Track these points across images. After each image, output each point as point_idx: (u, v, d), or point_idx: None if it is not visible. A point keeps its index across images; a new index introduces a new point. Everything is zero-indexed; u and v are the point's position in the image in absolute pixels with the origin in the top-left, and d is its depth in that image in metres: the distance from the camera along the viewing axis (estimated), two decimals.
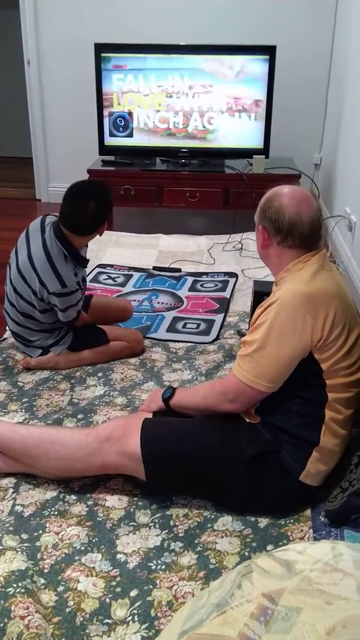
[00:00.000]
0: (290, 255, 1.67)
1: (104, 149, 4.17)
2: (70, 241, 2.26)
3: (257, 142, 4.02)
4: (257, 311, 1.66)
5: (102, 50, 3.94)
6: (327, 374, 1.60)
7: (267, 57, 3.83)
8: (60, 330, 2.39)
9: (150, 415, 1.79)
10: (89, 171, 4.08)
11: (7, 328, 2.79)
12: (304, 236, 1.64)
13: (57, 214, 2.29)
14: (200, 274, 3.42)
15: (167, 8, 4.34)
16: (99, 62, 3.97)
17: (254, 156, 3.97)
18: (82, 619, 1.38)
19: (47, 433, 1.76)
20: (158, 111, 4.04)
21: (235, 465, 1.62)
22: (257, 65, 3.87)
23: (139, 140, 4.12)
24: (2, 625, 1.33)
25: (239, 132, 4.02)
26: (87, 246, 2.40)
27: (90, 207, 2.19)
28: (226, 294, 3.14)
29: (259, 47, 3.86)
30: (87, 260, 2.37)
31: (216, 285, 3.26)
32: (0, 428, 1.78)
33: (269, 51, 3.83)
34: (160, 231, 4.06)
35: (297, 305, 1.56)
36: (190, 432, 1.68)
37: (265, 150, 4.01)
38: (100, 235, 2.33)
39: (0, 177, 5.81)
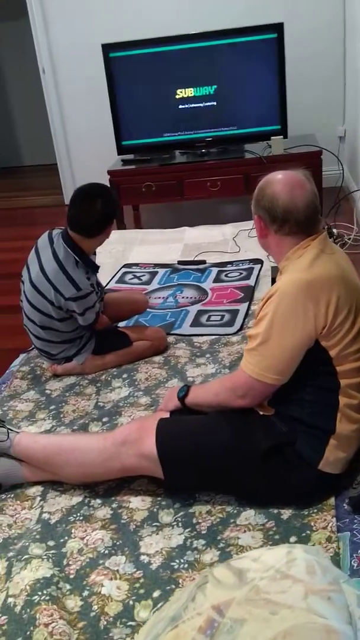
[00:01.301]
0: (289, 243, 1.64)
1: (122, 148, 4.18)
2: (79, 246, 2.28)
3: (274, 122, 3.95)
4: (260, 303, 1.64)
5: (110, 50, 3.94)
6: (337, 360, 1.57)
7: (275, 35, 3.75)
8: (82, 339, 2.42)
9: (166, 415, 1.79)
10: (109, 172, 4.11)
11: None
12: (300, 222, 1.60)
13: (63, 227, 2.32)
14: (224, 264, 3.40)
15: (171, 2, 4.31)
16: (108, 62, 3.98)
17: (271, 138, 3.90)
18: (105, 622, 1.40)
19: (66, 441, 1.80)
20: None
21: (250, 459, 1.61)
22: (265, 45, 3.80)
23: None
24: (28, 633, 1.37)
25: (255, 114, 3.96)
26: (95, 254, 2.42)
27: (97, 206, 2.22)
28: (250, 281, 3.11)
29: (266, 26, 3.78)
30: (98, 267, 2.39)
31: (240, 273, 3.23)
32: (22, 440, 1.82)
33: (276, 29, 3.75)
34: (187, 224, 4.05)
35: (297, 294, 1.53)
36: (203, 429, 1.68)
37: (283, 130, 3.94)
38: (107, 237, 2.34)
39: (28, 186, 5.94)
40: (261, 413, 1.68)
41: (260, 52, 3.83)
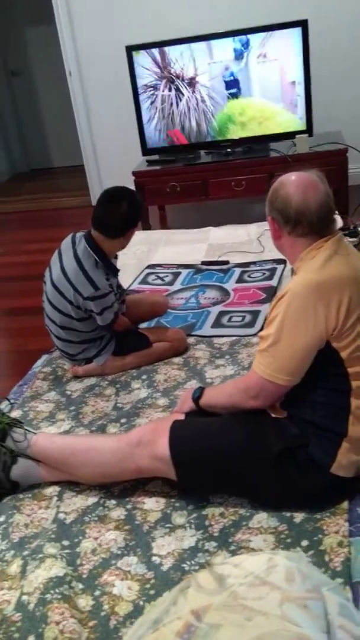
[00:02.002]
0: (302, 244, 1.63)
1: (146, 149, 4.20)
2: (100, 247, 2.32)
3: (299, 121, 3.92)
4: (271, 304, 1.64)
5: (134, 51, 3.97)
6: (348, 362, 1.55)
7: (300, 31, 3.72)
8: (102, 340, 2.44)
9: (182, 417, 1.80)
10: (134, 173, 4.14)
11: None
12: (313, 223, 1.59)
13: (87, 229, 2.35)
14: (248, 264, 3.38)
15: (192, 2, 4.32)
16: (132, 64, 4.00)
17: (296, 136, 3.87)
18: (115, 622, 1.42)
19: (82, 442, 1.83)
20: None
21: (262, 461, 1.61)
22: (290, 42, 3.76)
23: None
24: (40, 630, 1.40)
25: (280, 112, 3.94)
26: (116, 257, 2.44)
27: (123, 208, 2.27)
28: (273, 282, 3.09)
29: (290, 23, 3.75)
30: (118, 270, 2.42)
31: (263, 274, 3.21)
32: (39, 440, 1.85)
33: (301, 25, 3.71)
34: (213, 223, 4.04)
35: (308, 296, 1.52)
36: (216, 431, 1.68)
37: (308, 129, 3.90)
38: (128, 242, 2.36)
39: (56, 187, 6.02)
40: (273, 415, 1.67)
41: (285, 47, 3.80)
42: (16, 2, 6.50)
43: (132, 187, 4.07)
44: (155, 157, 4.25)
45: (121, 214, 2.27)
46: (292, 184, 1.63)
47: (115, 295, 2.37)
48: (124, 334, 2.49)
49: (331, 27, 4.17)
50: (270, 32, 3.77)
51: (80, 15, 4.60)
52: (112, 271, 2.38)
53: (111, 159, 5.00)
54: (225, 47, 3.86)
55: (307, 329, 1.52)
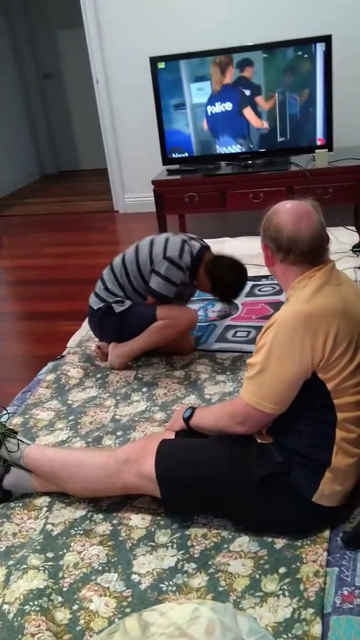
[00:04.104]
0: (294, 272, 1.64)
1: (167, 158, 4.23)
2: (199, 268, 2.55)
3: (319, 135, 3.91)
4: (261, 331, 1.65)
5: (158, 62, 4.00)
6: (334, 393, 1.55)
7: (324, 46, 3.71)
8: (124, 303, 2.55)
9: (171, 436, 1.83)
10: (153, 182, 4.17)
11: (66, 345, 2.96)
12: (304, 252, 1.60)
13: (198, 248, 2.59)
14: (260, 278, 3.39)
15: (231, 12, 4.34)
16: (155, 74, 4.03)
17: (315, 151, 3.86)
18: (89, 637, 1.45)
19: (72, 455, 1.86)
20: None
21: (245, 487, 1.62)
22: (312, 57, 3.76)
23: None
24: None
25: (302, 127, 3.93)
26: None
27: (234, 278, 2.58)
28: (282, 297, 3.08)
29: (313, 38, 3.74)
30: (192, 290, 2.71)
31: (273, 288, 3.22)
32: (31, 451, 1.89)
33: (324, 41, 3.70)
34: (231, 233, 4.05)
35: (295, 326, 1.53)
36: (202, 454, 1.70)
37: (328, 143, 3.89)
38: (197, 290, 2.71)
39: (82, 190, 6.09)
40: (259, 441, 1.68)
41: (307, 63, 3.80)
42: (49, 5, 6.60)
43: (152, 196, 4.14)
44: (176, 166, 4.28)
45: (229, 279, 2.58)
46: (286, 212, 1.64)
47: (180, 298, 2.58)
48: (134, 319, 2.54)
49: (354, 42, 4.14)
50: (294, 47, 3.77)
51: (108, 24, 4.65)
52: (187, 286, 2.60)
53: (134, 167, 5.05)
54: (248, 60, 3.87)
55: (293, 359, 1.53)
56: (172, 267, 2.47)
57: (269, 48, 3.82)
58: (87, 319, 2.75)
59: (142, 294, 2.55)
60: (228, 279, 2.58)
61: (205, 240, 4.00)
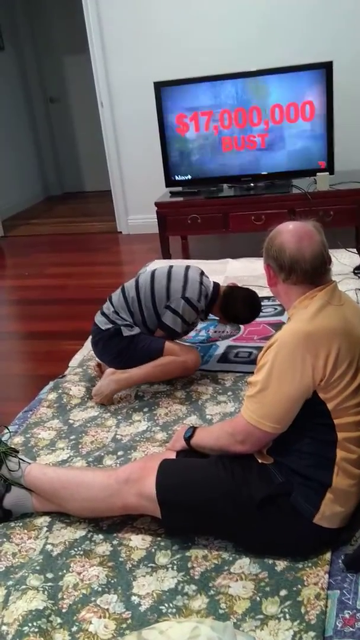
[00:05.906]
0: (296, 292, 1.66)
1: (170, 181, 4.28)
2: (215, 299, 2.59)
3: (320, 158, 3.95)
4: (262, 351, 1.65)
5: (161, 87, 4.06)
6: (335, 413, 1.55)
7: (324, 72, 3.77)
8: (133, 328, 2.53)
9: (172, 455, 1.82)
10: (156, 204, 4.21)
11: (68, 365, 2.97)
12: (306, 272, 1.62)
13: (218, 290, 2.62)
14: (261, 299, 3.38)
15: (233, 39, 4.42)
16: (159, 99, 4.10)
17: (317, 174, 3.91)
18: None
19: (73, 475, 1.85)
20: None
21: (245, 508, 1.61)
22: (314, 83, 3.82)
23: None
24: None
25: (303, 150, 3.98)
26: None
27: (246, 312, 2.64)
28: (283, 317, 3.10)
29: (315, 64, 3.80)
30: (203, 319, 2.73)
31: (275, 309, 3.23)
32: (32, 471, 1.89)
33: (325, 67, 3.76)
34: (233, 254, 4.07)
35: (296, 345, 1.54)
36: (202, 474, 1.69)
37: (329, 167, 3.93)
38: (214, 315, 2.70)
39: (85, 212, 6.15)
40: (260, 461, 1.68)
41: (308, 88, 3.86)
42: (56, 31, 6.73)
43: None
44: (179, 188, 4.32)
45: (239, 310, 2.62)
46: (288, 232, 1.66)
47: (187, 326, 2.57)
48: (140, 348, 2.52)
49: (355, 68, 4.21)
50: (295, 73, 3.83)
51: (112, 49, 4.75)
52: (204, 316, 2.65)
53: (138, 189, 5.11)
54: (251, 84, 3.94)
55: (293, 378, 1.53)
56: (189, 307, 2.49)
57: (271, 73, 3.88)
58: (90, 337, 2.74)
59: (150, 325, 2.54)
60: (242, 316, 2.67)
61: (207, 261, 4.07)
